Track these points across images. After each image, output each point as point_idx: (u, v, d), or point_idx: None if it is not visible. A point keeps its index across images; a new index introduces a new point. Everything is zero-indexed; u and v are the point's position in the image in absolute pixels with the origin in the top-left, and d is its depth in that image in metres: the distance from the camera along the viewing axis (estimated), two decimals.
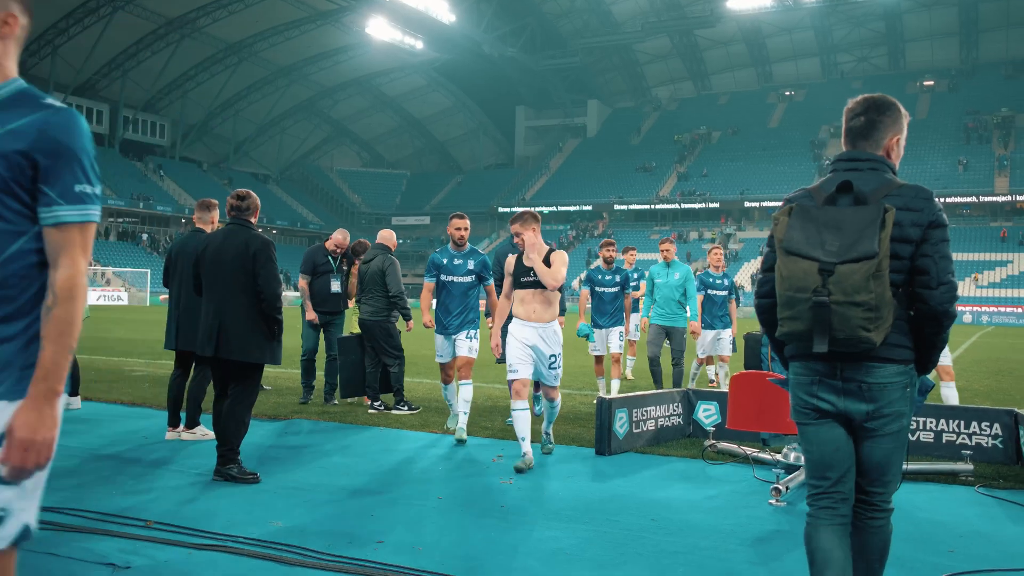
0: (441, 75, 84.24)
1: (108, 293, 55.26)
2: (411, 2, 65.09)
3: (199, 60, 71.82)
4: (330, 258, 9.90)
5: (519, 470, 6.35)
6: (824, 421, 3.11)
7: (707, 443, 7.17)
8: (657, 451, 7.34)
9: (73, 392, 9.17)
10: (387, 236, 9.74)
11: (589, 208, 78.19)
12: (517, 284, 6.71)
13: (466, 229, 8.12)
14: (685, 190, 75.97)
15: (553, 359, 6.69)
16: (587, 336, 9.95)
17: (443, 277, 8.01)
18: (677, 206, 75.15)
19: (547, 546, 4.54)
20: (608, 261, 10.39)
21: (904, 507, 5.49)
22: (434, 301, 8.29)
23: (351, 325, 10.40)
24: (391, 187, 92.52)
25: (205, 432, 7.41)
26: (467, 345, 7.86)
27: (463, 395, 7.64)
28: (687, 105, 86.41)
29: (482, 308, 8.70)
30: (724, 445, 7.12)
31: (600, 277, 10.43)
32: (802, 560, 4.28)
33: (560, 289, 6.75)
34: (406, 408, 9.21)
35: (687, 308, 10.36)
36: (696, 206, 74.50)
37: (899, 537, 4.81)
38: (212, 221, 7.82)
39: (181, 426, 7.58)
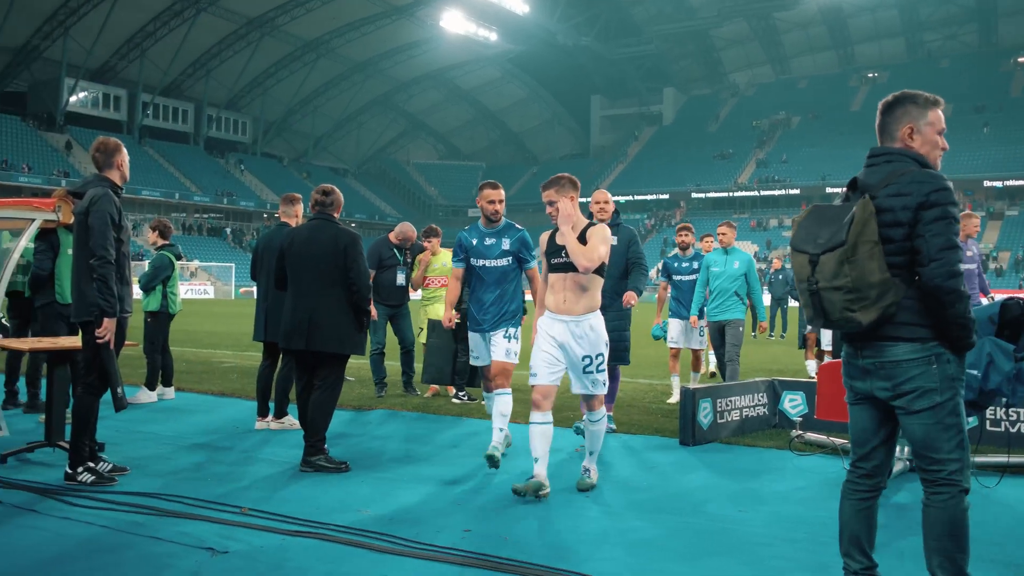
0: (515, 66, 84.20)
1: (195, 287, 56.82)
2: None
3: (278, 58, 73.15)
4: (395, 251, 9.91)
5: (517, 492, 5.25)
6: (858, 403, 3.42)
7: (794, 433, 7.04)
8: (742, 441, 7.24)
9: (167, 383, 9.47)
10: None
11: (666, 197, 77.34)
12: (549, 267, 5.54)
13: (500, 201, 6.50)
14: (764, 177, 74.58)
15: (588, 362, 5.42)
16: (661, 338, 9.71)
17: (474, 261, 6.46)
18: (756, 193, 73.85)
19: (633, 536, 4.52)
20: (684, 247, 9.86)
21: (1008, 502, 5.32)
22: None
23: (418, 317, 10.29)
24: (467, 179, 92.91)
25: (293, 422, 7.56)
26: (504, 347, 6.36)
27: (499, 407, 6.25)
28: (765, 90, 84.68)
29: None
30: (812, 436, 6.98)
31: (677, 265, 9.91)
32: (899, 553, 4.19)
33: (603, 275, 5.54)
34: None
35: (748, 302, 9.27)
36: (776, 193, 73.05)
37: (1005, 534, 4.66)
38: (296, 215, 7.97)
39: (270, 416, 7.76)
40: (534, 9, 69.34)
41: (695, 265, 9.74)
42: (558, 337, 5.42)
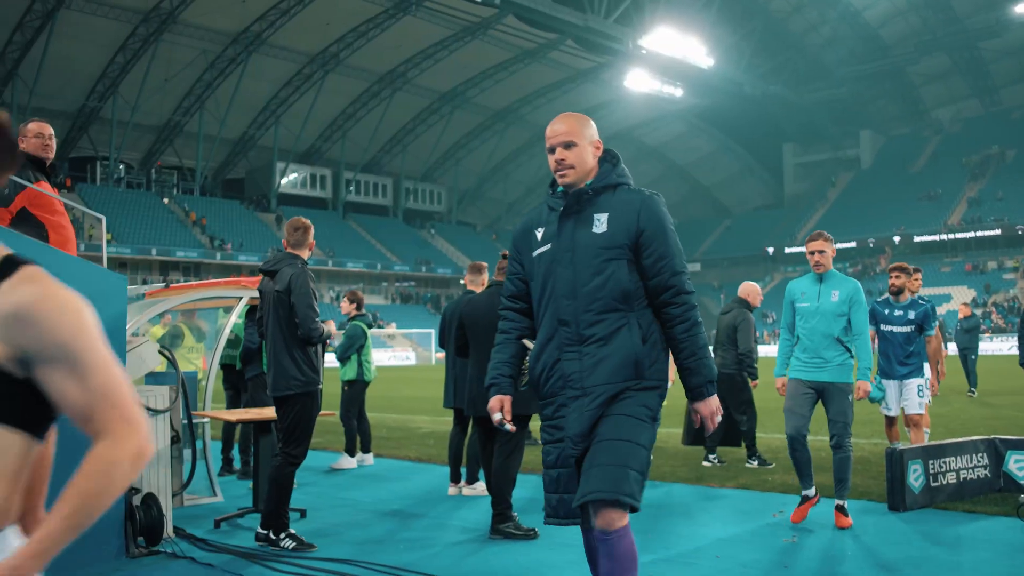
0: (702, 120, 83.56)
1: (397, 353, 59.14)
2: (668, 51, 65.33)
3: (469, 129, 76.11)
4: None
5: None
6: None
7: (1023, 499, 6.38)
8: (961, 507, 6.62)
9: (365, 449, 9.81)
10: (748, 290, 9.52)
11: (869, 243, 73.81)
12: None
13: None
14: (976, 216, 69.76)
15: None
16: (880, 400, 7.66)
17: None
18: (971, 234, 69.08)
19: None
20: (896, 291, 7.83)
21: None
22: None
23: None
24: None
25: (485, 488, 7.61)
26: None
27: None
28: (973, 124, 79.48)
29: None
30: None
31: (887, 312, 7.84)
32: None
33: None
34: (756, 462, 8.89)
35: (852, 353, 6.26)
36: (991, 233, 68.10)
37: None
38: (483, 283, 8.11)
39: (462, 482, 7.86)
40: (719, 62, 68.73)
41: (911, 315, 7.73)
42: None
